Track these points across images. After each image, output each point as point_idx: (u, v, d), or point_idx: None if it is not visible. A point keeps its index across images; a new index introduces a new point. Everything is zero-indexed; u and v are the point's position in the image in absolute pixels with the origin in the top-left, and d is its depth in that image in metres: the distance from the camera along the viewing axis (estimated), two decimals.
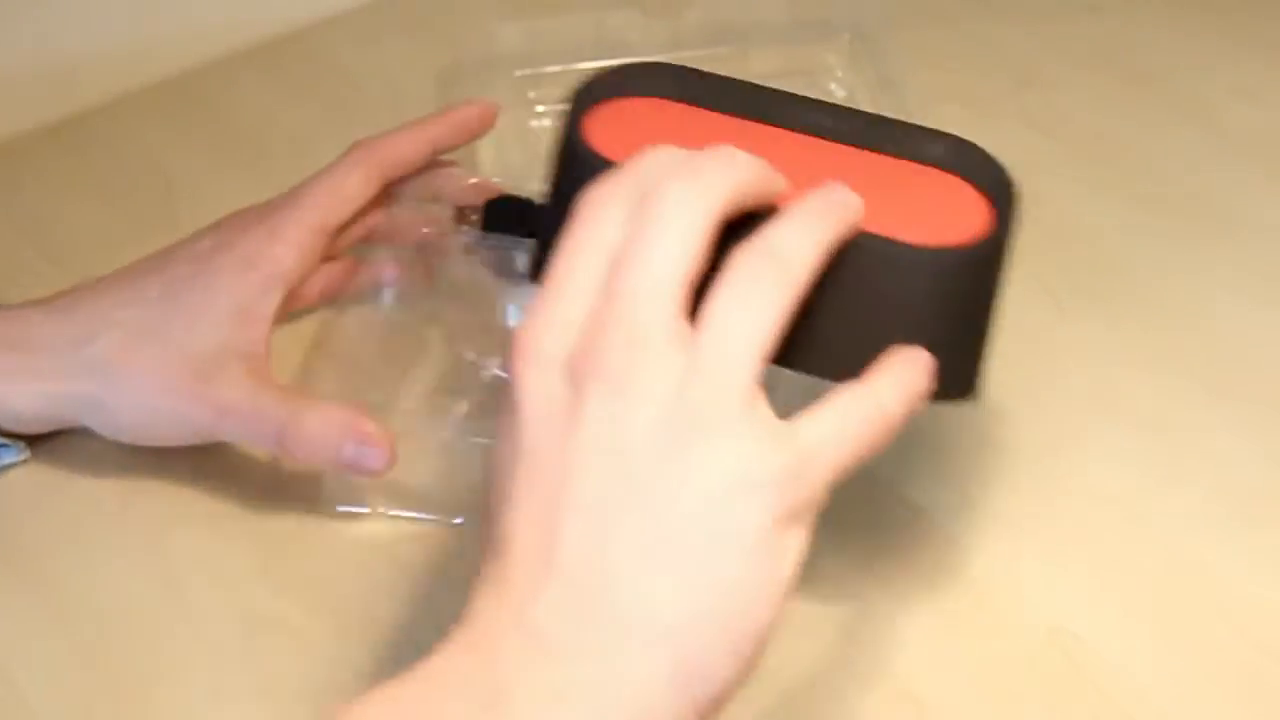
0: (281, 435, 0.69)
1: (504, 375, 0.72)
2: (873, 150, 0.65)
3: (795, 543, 0.52)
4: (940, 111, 0.88)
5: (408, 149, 0.78)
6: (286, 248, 0.74)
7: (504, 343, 0.76)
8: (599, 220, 0.54)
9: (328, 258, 0.78)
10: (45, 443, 0.76)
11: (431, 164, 0.80)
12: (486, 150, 0.87)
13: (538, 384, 0.52)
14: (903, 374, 0.57)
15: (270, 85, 0.98)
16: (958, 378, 0.62)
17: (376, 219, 0.79)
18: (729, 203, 0.55)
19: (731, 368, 0.52)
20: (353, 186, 0.76)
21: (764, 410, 0.52)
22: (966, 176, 0.64)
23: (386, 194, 0.79)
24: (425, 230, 0.78)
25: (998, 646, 0.67)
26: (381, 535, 0.72)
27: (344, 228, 0.77)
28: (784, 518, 0.51)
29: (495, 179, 0.78)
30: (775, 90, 0.66)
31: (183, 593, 0.71)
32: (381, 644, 0.68)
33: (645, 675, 0.50)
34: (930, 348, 0.59)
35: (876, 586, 0.69)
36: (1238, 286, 0.82)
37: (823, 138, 0.65)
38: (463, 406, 0.76)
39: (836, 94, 0.93)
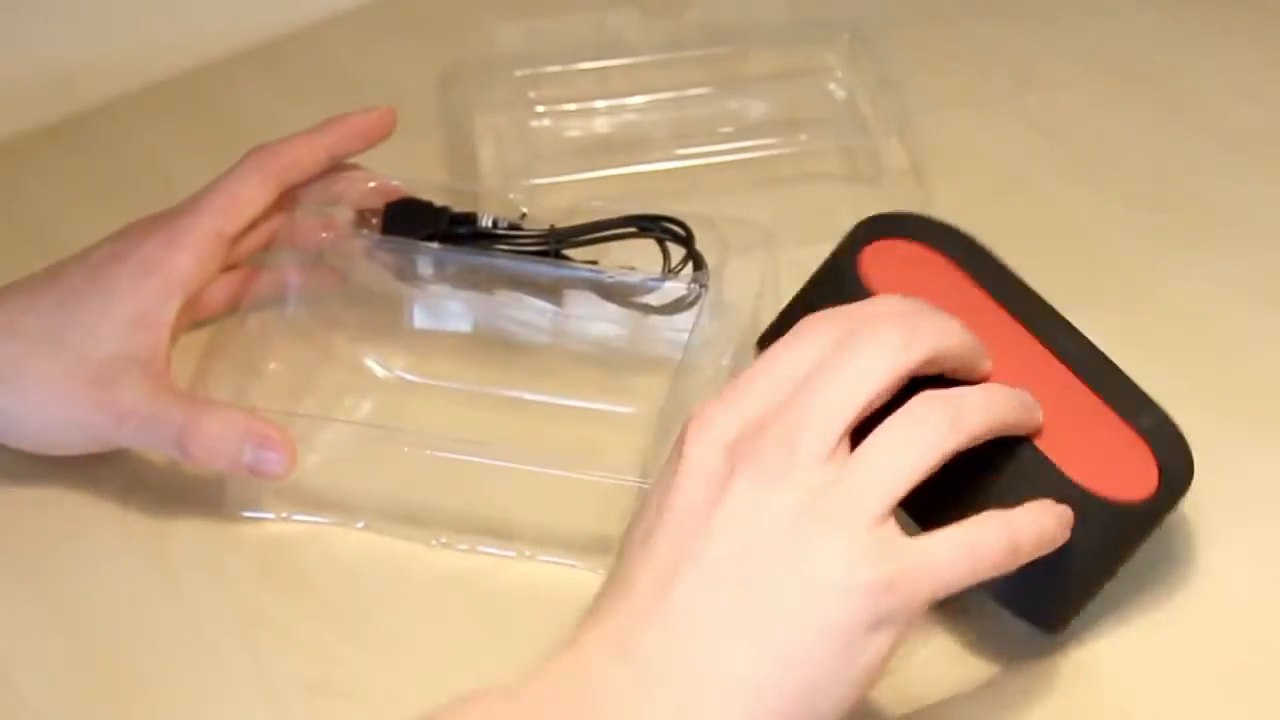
0: (181, 440, 0.70)
1: (455, 387, 0.76)
2: (1088, 386, 0.67)
3: (877, 646, 0.56)
4: (940, 111, 0.88)
5: (305, 155, 0.78)
6: (184, 255, 0.74)
7: (407, 344, 0.78)
8: (811, 336, 0.61)
9: (229, 267, 0.78)
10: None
11: (333, 167, 0.80)
12: (486, 150, 0.88)
13: (702, 454, 0.59)
14: (1044, 517, 0.61)
15: (270, 85, 0.98)
16: (1057, 612, 0.65)
17: (277, 224, 0.79)
18: (926, 360, 0.61)
19: (869, 487, 0.57)
20: (249, 193, 0.76)
21: (889, 529, 0.57)
22: (1154, 448, 0.66)
23: (286, 198, 0.79)
24: (325, 235, 0.78)
25: (998, 646, 0.67)
26: (381, 541, 0.72)
27: (242, 234, 0.77)
28: (872, 622, 0.56)
29: (395, 181, 0.78)
30: (1036, 296, 0.70)
31: (183, 593, 0.71)
32: (381, 645, 0.69)
33: (718, 716, 0.55)
34: (1053, 576, 0.63)
35: None
36: (1238, 286, 0.81)
37: (1053, 351, 0.68)
38: (365, 409, 0.76)
39: (836, 94, 0.93)
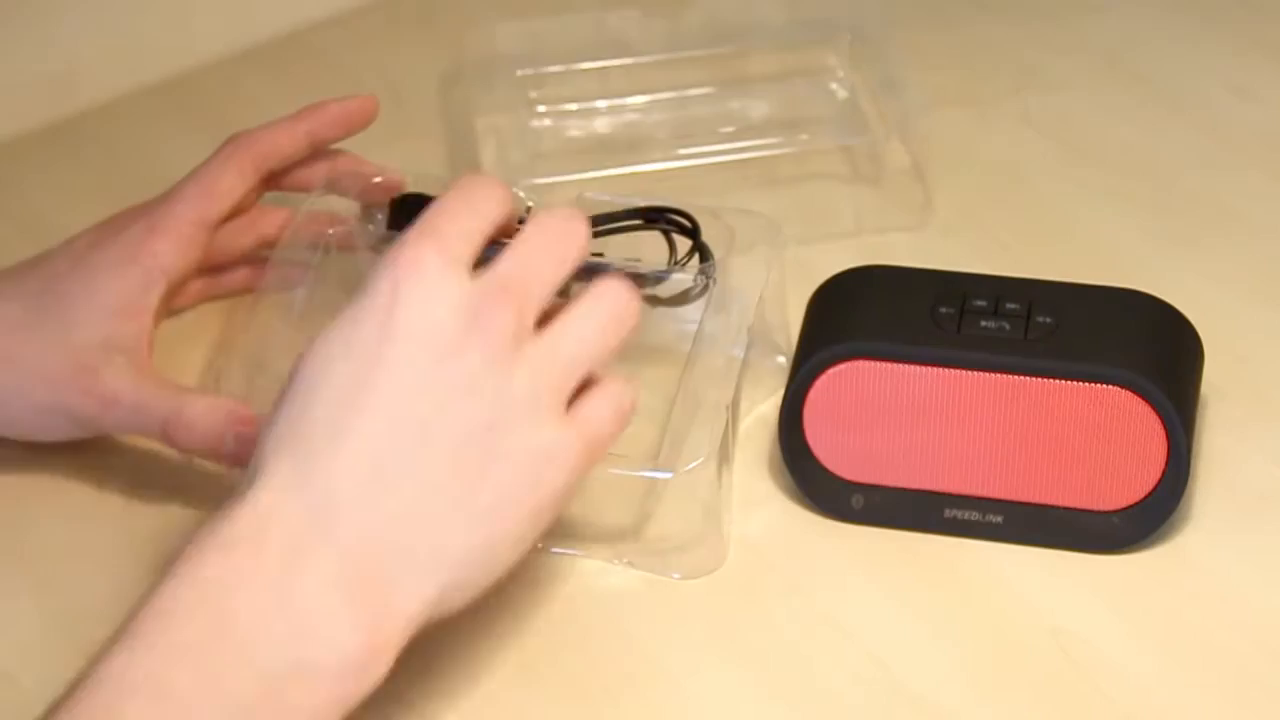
0: (166, 426, 0.70)
1: None
2: (1048, 376, 0.68)
3: (552, 475, 0.60)
4: (940, 111, 0.88)
5: (284, 141, 0.79)
6: (165, 242, 0.75)
7: None
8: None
9: (216, 262, 0.79)
10: (46, 444, 0.75)
11: (323, 154, 0.80)
12: (487, 151, 0.87)
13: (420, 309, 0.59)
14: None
15: (270, 85, 0.98)
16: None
17: (267, 219, 0.80)
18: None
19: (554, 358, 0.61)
20: (228, 180, 0.77)
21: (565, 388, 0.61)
22: (1141, 393, 0.67)
23: (269, 184, 0.79)
24: (332, 231, 0.78)
25: (997, 646, 0.67)
26: None
27: (223, 221, 0.78)
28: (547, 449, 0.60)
29: (399, 174, 0.78)
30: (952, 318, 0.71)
31: None
32: None
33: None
34: None
35: (875, 586, 0.70)
36: (1237, 285, 0.82)
37: (1001, 371, 0.69)
38: None
39: (837, 94, 0.93)
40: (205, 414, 0.70)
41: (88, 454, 0.75)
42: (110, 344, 0.72)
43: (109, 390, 0.71)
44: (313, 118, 0.79)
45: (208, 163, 0.78)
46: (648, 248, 0.75)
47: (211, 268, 0.80)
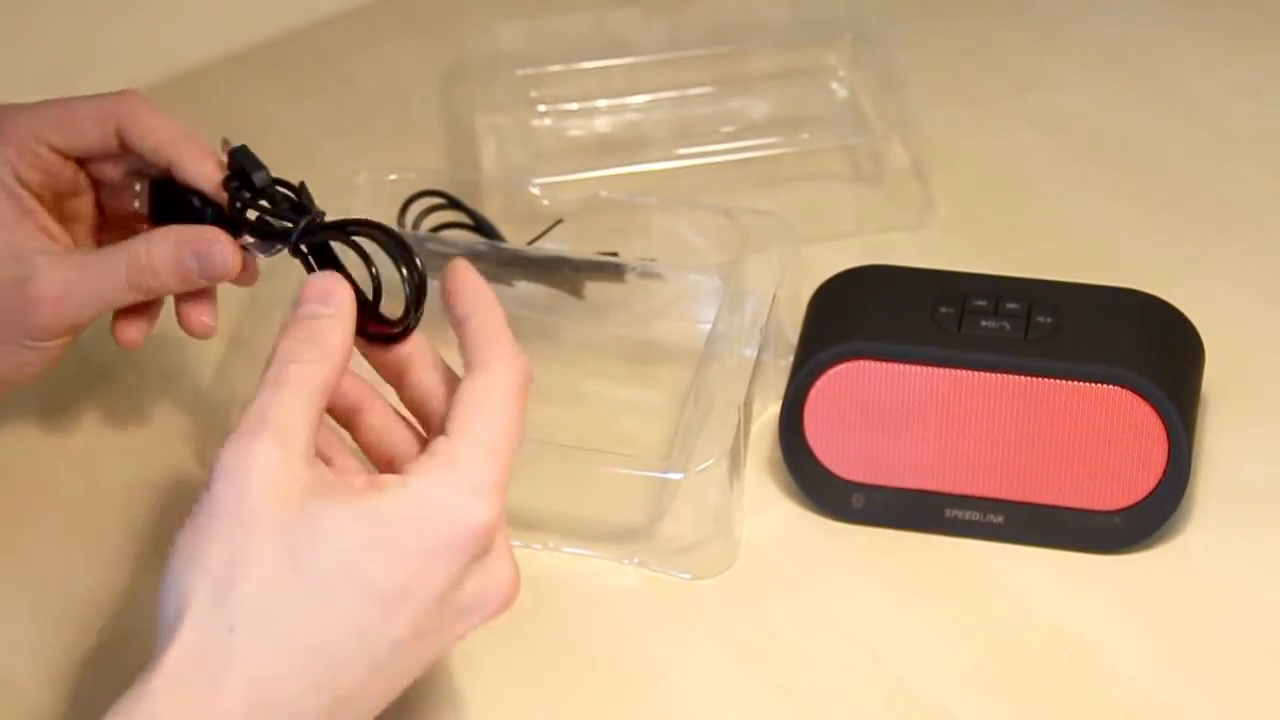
0: (131, 281, 0.69)
1: None
2: (1048, 375, 0.68)
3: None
4: (941, 111, 0.88)
5: (161, 125, 0.73)
6: (5, 146, 0.73)
7: (427, 336, 0.77)
8: None
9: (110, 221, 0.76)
10: (47, 443, 0.75)
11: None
12: (488, 150, 0.88)
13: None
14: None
15: (270, 85, 0.98)
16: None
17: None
18: None
19: None
20: (84, 114, 0.74)
21: None
22: (1138, 389, 0.68)
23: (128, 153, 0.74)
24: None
25: (999, 646, 0.67)
26: None
27: (80, 160, 0.74)
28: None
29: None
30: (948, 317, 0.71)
31: None
32: None
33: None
34: None
35: (878, 587, 0.70)
36: (1237, 284, 0.82)
37: (1002, 371, 0.69)
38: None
39: (838, 93, 0.93)
40: (160, 251, 0.69)
41: (87, 454, 0.75)
42: (18, 255, 0.70)
43: (50, 290, 0.69)
44: (188, 144, 0.72)
45: (86, 98, 0.75)
46: (657, 249, 0.75)
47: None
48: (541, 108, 0.92)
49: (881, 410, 0.69)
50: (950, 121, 0.90)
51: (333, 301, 0.61)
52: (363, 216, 0.65)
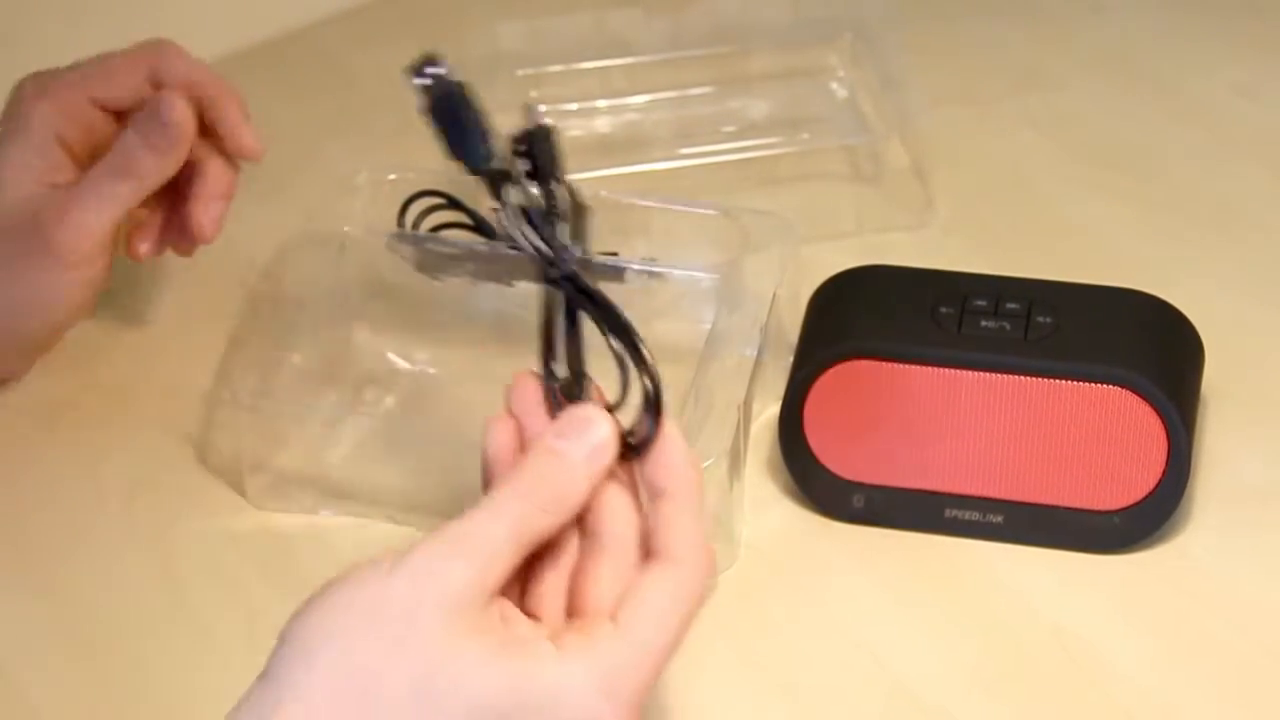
0: (113, 160, 0.72)
1: (477, 379, 0.73)
2: (1048, 375, 0.68)
3: None
4: (941, 111, 0.88)
5: (193, 69, 0.76)
6: (49, 102, 0.75)
7: (428, 337, 0.78)
8: None
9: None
10: (47, 442, 0.76)
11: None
12: None
13: None
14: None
15: (270, 85, 0.98)
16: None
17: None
18: None
19: None
20: (120, 65, 0.77)
21: None
22: (1137, 389, 0.68)
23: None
24: (347, 229, 0.78)
25: (999, 646, 0.67)
26: (380, 537, 0.72)
27: (116, 110, 0.76)
28: None
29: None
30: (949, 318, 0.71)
31: (184, 592, 0.71)
32: None
33: None
34: None
35: (878, 587, 0.70)
36: (1237, 284, 0.82)
37: (1002, 371, 0.69)
38: (388, 402, 0.76)
39: (838, 93, 0.93)
40: (130, 131, 0.72)
41: (87, 454, 0.75)
42: (23, 208, 0.73)
43: (55, 207, 0.72)
44: (226, 95, 0.76)
45: (122, 50, 0.78)
46: (657, 249, 0.75)
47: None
48: (542, 108, 0.92)
49: (881, 410, 0.69)
50: (950, 121, 0.90)
51: (590, 447, 0.57)
52: (611, 303, 0.59)
